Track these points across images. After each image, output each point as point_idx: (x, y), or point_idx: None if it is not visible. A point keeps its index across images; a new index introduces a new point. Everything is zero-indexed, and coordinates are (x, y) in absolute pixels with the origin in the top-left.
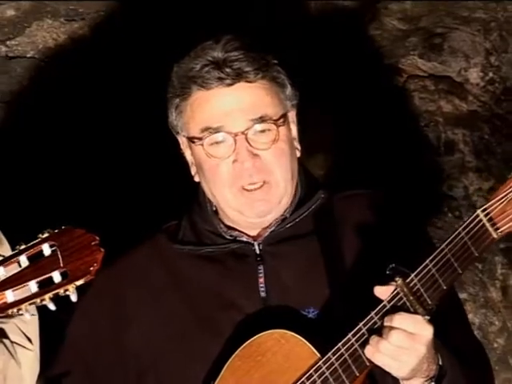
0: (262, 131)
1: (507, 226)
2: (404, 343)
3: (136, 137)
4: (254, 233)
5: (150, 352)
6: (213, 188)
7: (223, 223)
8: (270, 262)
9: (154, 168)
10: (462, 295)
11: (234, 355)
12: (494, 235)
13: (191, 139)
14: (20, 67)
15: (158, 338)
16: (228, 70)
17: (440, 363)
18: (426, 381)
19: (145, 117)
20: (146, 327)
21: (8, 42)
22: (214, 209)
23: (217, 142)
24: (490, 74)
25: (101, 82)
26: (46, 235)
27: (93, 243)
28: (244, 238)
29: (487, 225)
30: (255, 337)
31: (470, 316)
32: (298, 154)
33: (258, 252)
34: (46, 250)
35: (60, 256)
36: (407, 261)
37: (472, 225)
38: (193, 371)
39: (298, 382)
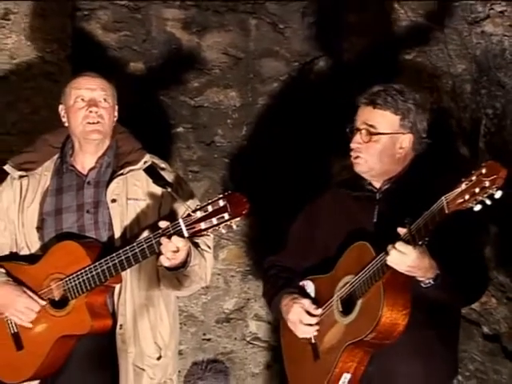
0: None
1: (454, 207)
2: (398, 256)
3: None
4: (378, 186)
5: (325, 238)
6: None
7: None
8: (382, 204)
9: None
10: None
11: (348, 250)
12: (447, 211)
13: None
14: (202, 111)
15: (329, 234)
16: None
17: (437, 271)
18: (427, 279)
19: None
20: (326, 228)
21: (195, 98)
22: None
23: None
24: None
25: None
26: (220, 196)
27: (244, 200)
28: (373, 189)
29: (445, 205)
30: (357, 243)
31: None
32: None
33: (377, 198)
34: (221, 203)
35: (228, 206)
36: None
37: (438, 204)
38: (338, 252)
39: (363, 269)
